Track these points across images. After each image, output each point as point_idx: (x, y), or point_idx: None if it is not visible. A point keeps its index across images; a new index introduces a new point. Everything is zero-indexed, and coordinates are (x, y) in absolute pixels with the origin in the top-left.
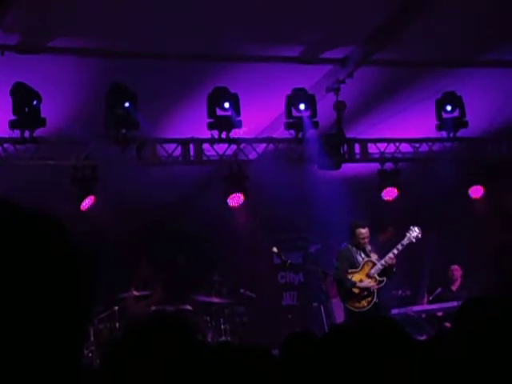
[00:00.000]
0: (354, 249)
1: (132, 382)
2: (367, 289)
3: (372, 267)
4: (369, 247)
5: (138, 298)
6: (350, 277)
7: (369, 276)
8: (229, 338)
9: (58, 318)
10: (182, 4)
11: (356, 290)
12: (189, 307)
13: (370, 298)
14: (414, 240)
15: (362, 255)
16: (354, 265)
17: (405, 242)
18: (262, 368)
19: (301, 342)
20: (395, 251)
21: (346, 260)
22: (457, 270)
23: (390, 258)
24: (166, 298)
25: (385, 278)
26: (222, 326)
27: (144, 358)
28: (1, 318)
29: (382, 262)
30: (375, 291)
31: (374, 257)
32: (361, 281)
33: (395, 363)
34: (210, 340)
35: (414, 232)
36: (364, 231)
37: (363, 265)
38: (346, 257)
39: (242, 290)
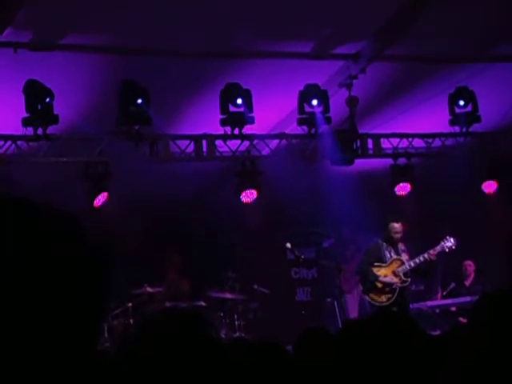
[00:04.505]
0: (384, 244)
1: (145, 378)
2: (390, 285)
3: (400, 266)
4: (402, 246)
5: (152, 295)
6: (375, 270)
7: (394, 274)
8: (242, 334)
9: (72, 315)
10: (195, 1)
11: (379, 284)
12: (202, 303)
13: (390, 295)
14: (447, 250)
15: (392, 253)
16: (381, 260)
17: (437, 249)
18: (275, 364)
19: (314, 337)
20: (426, 256)
21: (373, 254)
22: (470, 266)
23: (419, 261)
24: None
25: (409, 279)
26: (236, 322)
27: (157, 355)
28: (16, 314)
29: (410, 263)
30: (397, 289)
31: (404, 257)
32: (385, 276)
33: (408, 359)
34: (223, 336)
35: (449, 242)
36: (397, 226)
37: (391, 262)
38: (373, 251)
39: (255, 286)
